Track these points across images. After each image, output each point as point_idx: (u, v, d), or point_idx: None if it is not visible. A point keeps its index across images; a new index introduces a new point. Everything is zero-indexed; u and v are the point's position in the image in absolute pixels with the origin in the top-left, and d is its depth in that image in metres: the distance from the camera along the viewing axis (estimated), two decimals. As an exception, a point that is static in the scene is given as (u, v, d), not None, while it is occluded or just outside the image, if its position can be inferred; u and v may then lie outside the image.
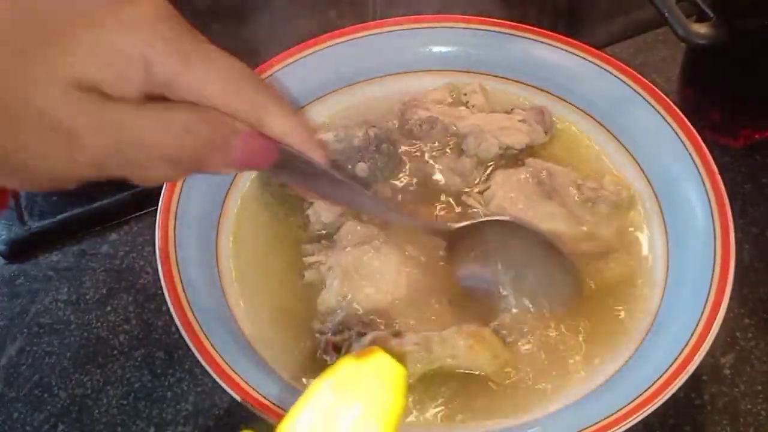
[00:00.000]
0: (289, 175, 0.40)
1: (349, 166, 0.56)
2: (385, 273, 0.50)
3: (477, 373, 0.47)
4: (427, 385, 0.46)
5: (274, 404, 0.42)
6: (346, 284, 0.49)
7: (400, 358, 0.39)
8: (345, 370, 0.32)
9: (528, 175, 0.55)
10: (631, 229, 0.54)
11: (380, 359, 0.32)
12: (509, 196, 0.54)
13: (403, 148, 0.58)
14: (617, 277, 0.51)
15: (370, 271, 0.50)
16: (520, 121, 0.58)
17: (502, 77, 0.61)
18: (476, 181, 0.56)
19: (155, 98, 0.32)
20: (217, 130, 0.34)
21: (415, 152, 0.58)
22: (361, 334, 0.46)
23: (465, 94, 0.61)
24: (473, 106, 0.60)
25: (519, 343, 0.48)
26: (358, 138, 0.56)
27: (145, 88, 0.32)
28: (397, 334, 0.47)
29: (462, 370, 0.46)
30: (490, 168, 0.57)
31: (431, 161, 0.58)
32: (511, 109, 0.59)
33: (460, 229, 0.50)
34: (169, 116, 0.33)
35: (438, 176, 0.57)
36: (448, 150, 0.58)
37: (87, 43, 0.30)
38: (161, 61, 0.32)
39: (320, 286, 0.51)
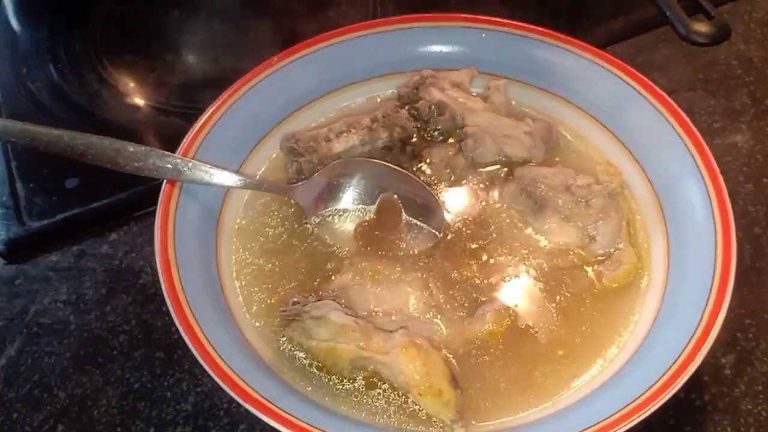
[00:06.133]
0: None
1: None
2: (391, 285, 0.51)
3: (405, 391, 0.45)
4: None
5: (273, 404, 0.41)
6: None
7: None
8: None
9: (518, 191, 0.55)
10: (631, 228, 0.54)
11: None
12: (506, 223, 0.54)
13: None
14: (621, 279, 0.50)
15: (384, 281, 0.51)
16: (526, 132, 0.57)
17: (502, 76, 0.61)
18: (465, 181, 0.57)
19: None
20: None
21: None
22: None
23: (489, 88, 0.61)
24: (492, 103, 0.60)
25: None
26: (383, 140, 0.57)
27: None
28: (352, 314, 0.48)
29: (390, 379, 0.46)
30: (479, 173, 0.57)
31: (428, 148, 0.58)
32: (522, 117, 0.59)
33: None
34: None
35: (430, 165, 0.57)
36: (449, 140, 0.59)
37: None
38: None
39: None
